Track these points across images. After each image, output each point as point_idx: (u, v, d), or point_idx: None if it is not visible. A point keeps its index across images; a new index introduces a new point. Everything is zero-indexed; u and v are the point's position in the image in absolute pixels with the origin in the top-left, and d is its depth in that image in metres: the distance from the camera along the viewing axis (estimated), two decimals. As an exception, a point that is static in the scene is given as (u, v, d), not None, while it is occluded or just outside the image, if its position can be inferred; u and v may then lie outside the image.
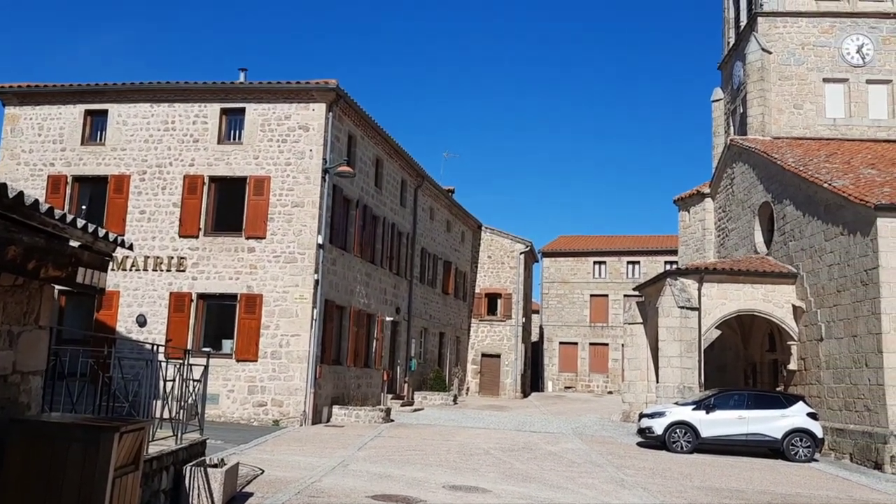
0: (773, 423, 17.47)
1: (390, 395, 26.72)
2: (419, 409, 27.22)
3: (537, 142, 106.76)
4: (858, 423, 17.28)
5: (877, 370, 16.54)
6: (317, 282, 20.06)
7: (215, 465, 9.04)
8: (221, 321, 20.47)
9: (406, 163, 28.27)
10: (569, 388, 47.43)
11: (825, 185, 18.97)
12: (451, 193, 36.48)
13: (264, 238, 20.32)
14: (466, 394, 38.46)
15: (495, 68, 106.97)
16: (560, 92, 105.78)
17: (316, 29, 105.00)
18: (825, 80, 25.52)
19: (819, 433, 17.42)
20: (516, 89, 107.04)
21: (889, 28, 25.45)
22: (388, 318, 26.43)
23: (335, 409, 21.09)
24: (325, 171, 20.45)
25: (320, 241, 20.22)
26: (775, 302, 21.01)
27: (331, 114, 20.88)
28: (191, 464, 8.62)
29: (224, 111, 21.22)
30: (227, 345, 20.25)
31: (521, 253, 40.45)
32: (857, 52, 25.50)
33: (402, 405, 27.13)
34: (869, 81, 25.37)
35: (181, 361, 9.13)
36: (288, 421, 19.30)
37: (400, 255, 28.24)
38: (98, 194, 21.34)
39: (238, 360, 19.85)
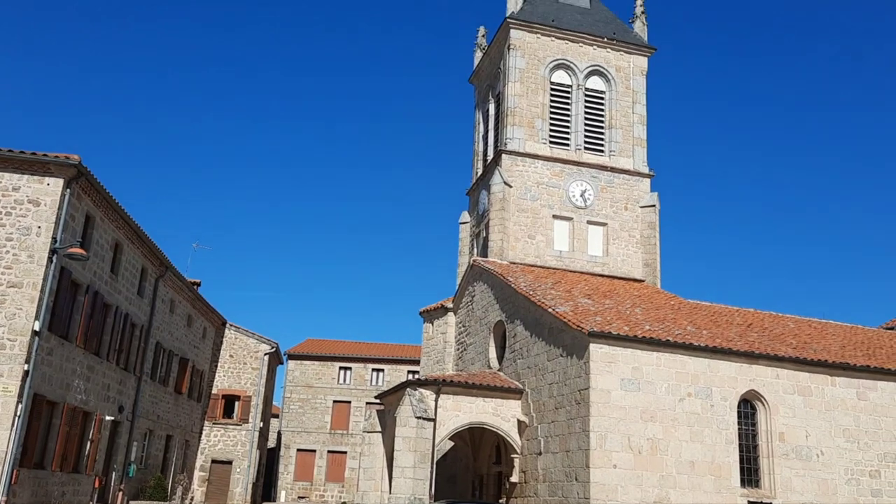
0: (494, 534, 18.18)
1: (101, 505, 23.99)
2: (133, 521, 24.67)
3: (293, 242, 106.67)
4: (568, 534, 18.54)
5: (585, 484, 18.04)
6: (27, 373, 17.86)
7: None
8: None
9: (149, 250, 26.69)
10: (303, 497, 45.86)
11: (550, 309, 20.95)
12: (198, 287, 34.89)
13: (-33, 320, 17.84)
14: (190, 503, 35.60)
15: (257, 169, 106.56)
16: (320, 195, 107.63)
17: (70, 98, 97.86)
18: (555, 217, 28.63)
19: (534, 544, 18.41)
20: (278, 190, 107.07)
21: (606, 179, 29.44)
22: (108, 418, 24.03)
23: (30, 521, 18.46)
24: (53, 251, 18.68)
25: (37, 328, 18.17)
26: (503, 416, 22.32)
27: (68, 191, 19.33)
28: None
29: (-63, 173, 18.80)
30: None
31: (265, 353, 39.30)
32: (581, 195, 29.07)
33: (114, 516, 24.45)
34: (589, 222, 28.91)
35: None
36: (-34, 536, 16.50)
37: (131, 349, 26.13)
38: None
39: (-90, 462, 16.80)
